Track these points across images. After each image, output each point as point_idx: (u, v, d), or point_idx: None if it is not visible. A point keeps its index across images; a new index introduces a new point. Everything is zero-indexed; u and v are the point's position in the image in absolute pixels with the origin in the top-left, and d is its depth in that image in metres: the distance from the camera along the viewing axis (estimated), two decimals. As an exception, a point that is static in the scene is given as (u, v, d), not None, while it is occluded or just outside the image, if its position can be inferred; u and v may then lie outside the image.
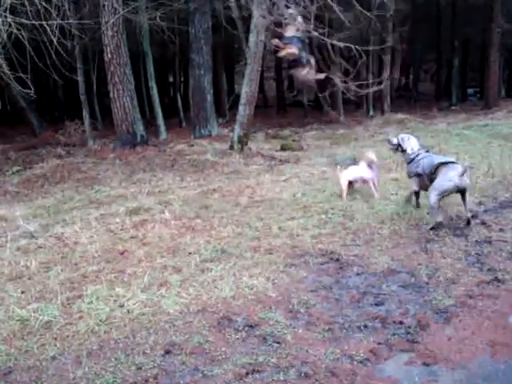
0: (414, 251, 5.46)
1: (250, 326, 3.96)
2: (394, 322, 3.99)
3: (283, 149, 13.44)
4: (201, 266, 5.21)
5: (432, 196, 5.99)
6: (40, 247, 6.08)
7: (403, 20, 26.61)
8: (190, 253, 5.61)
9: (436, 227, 5.97)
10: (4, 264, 5.57)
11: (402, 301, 4.33)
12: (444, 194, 6.03)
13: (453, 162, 6.14)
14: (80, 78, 13.40)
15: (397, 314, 4.12)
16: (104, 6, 8.84)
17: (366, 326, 3.93)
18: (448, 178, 5.92)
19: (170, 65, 20.77)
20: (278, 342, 3.74)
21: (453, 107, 25.79)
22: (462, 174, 5.83)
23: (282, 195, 8.07)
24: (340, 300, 4.38)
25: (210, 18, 15.07)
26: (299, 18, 7.69)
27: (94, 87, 18.01)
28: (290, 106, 28.52)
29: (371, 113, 22.71)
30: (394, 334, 3.81)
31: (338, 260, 5.26)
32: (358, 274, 4.91)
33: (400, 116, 19.91)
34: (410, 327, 3.90)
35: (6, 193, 9.70)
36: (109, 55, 9.38)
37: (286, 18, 7.44)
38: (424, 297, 4.39)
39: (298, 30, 7.50)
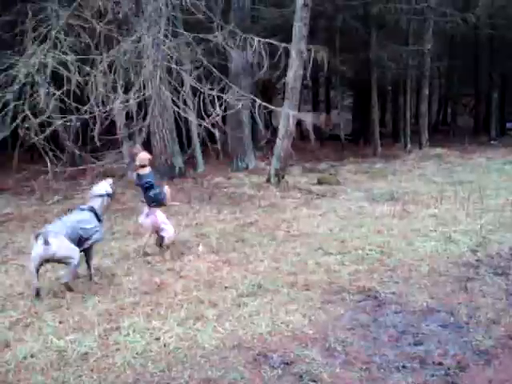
0: (454, 290, 5.37)
1: (286, 364, 3.93)
2: (433, 362, 3.92)
3: (320, 182, 13.42)
4: (237, 300, 5.20)
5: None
6: (78, 277, 6.13)
7: (441, 54, 26.62)
8: (226, 287, 5.62)
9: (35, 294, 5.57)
10: (43, 294, 5.64)
11: (442, 341, 4.26)
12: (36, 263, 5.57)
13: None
14: (117, 116, 13.65)
15: (436, 354, 4.04)
16: (144, 45, 9.02)
17: (404, 367, 3.87)
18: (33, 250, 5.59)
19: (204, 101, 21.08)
20: (315, 381, 3.70)
21: (492, 142, 25.51)
22: (46, 243, 5.44)
23: (318, 230, 8.04)
24: (378, 339, 4.32)
25: (251, 53, 15.26)
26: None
27: (134, 119, 18.32)
28: (326, 140, 28.54)
29: (409, 147, 22.56)
30: (432, 375, 3.74)
31: (375, 297, 5.20)
32: (396, 313, 4.85)
33: (438, 150, 19.76)
34: (449, 368, 3.83)
35: (46, 222, 9.84)
36: (150, 93, 9.53)
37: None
38: (464, 337, 4.31)
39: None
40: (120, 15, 9.32)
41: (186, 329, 4.55)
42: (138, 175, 7.10)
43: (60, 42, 8.80)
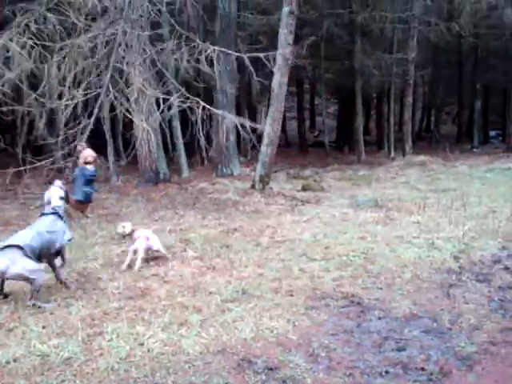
0: (437, 296, 5.41)
1: (270, 369, 3.93)
2: (416, 368, 3.94)
3: (304, 189, 13.47)
4: (221, 306, 5.20)
5: None
6: (59, 282, 6.11)
7: (425, 63, 26.86)
8: (210, 292, 5.61)
9: None
10: (26, 298, 5.60)
11: (424, 346, 4.28)
12: None
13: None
14: (106, 115, 13.62)
15: (418, 359, 4.06)
16: (132, 46, 9.03)
17: (387, 372, 3.88)
18: None
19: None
20: (298, 386, 3.71)
21: (474, 150, 25.80)
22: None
23: (302, 236, 8.07)
24: (361, 344, 4.34)
25: (234, 59, 15.31)
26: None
27: (121, 125, 18.29)
28: (311, 147, 28.67)
29: (392, 154, 22.75)
30: (415, 381, 3.76)
31: (359, 303, 5.22)
32: (379, 318, 4.87)
33: (421, 158, 19.92)
34: (432, 374, 3.85)
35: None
36: (135, 94, 9.55)
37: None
38: (446, 343, 4.34)
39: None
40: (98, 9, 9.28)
41: (170, 334, 4.54)
42: (81, 168, 7.04)
43: (29, 29, 8.78)
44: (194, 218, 9.89)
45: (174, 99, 9.78)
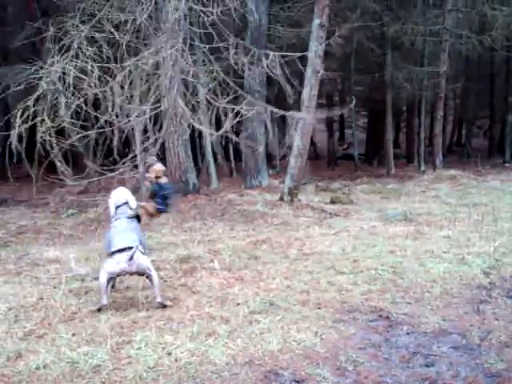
0: (466, 312, 5.34)
1: (297, 382, 3.93)
2: (445, 384, 3.90)
3: (333, 202, 13.42)
4: (249, 317, 5.21)
5: (100, 275, 5.55)
6: (92, 290, 6.19)
7: (456, 76, 26.64)
8: (238, 303, 5.63)
9: (100, 309, 5.51)
10: (56, 306, 5.69)
11: (453, 363, 4.23)
12: (112, 276, 5.59)
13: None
14: (136, 128, 13.79)
15: (447, 376, 4.02)
16: (164, 58, 9.13)
17: (415, 388, 3.85)
18: (116, 261, 5.53)
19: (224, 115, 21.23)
20: (325, 400, 3.70)
21: (506, 164, 25.44)
22: (131, 259, 5.44)
23: (331, 249, 8.05)
24: (389, 359, 4.31)
25: (264, 71, 15.38)
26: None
27: (150, 131, 18.44)
28: (340, 159, 28.60)
29: (423, 168, 22.55)
30: (444, 397, 3.73)
31: (387, 318, 5.19)
32: (407, 333, 4.83)
33: (452, 172, 19.71)
34: (461, 390, 3.81)
35: (60, 235, 9.95)
36: (165, 105, 9.66)
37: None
38: (475, 359, 4.28)
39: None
40: (137, 24, 9.41)
41: (198, 344, 4.57)
42: (159, 184, 7.16)
43: (82, 51, 8.94)
44: (222, 229, 9.93)
45: (242, 107, 9.83)
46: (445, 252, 7.62)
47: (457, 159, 27.87)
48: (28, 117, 8.46)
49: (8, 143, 8.40)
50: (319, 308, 5.46)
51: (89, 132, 8.66)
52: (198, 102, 9.58)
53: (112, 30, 9.40)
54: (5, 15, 19.21)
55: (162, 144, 10.23)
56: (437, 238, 8.61)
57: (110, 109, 8.52)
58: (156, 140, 8.91)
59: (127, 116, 8.79)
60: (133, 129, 8.88)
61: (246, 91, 14.67)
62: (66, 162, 8.94)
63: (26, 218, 11.68)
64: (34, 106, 8.43)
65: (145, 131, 9.16)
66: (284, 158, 15.55)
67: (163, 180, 7.10)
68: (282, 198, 12.82)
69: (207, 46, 10.11)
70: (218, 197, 13.74)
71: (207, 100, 9.61)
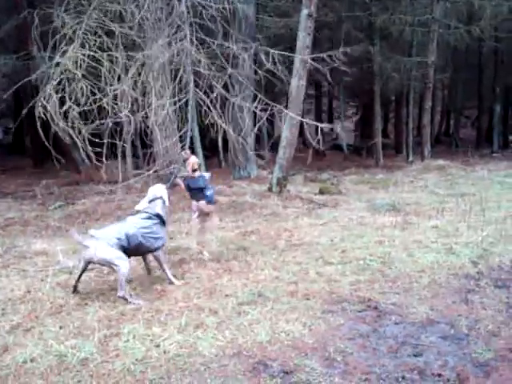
0: (454, 301, 5.37)
1: (286, 373, 3.93)
2: (433, 374, 3.91)
3: (322, 192, 13.43)
4: (237, 308, 5.21)
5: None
6: (79, 282, 6.15)
7: (445, 66, 26.68)
8: (226, 295, 5.62)
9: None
10: (44, 298, 5.66)
11: (441, 352, 4.25)
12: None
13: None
14: (125, 118, 13.70)
15: (435, 365, 4.04)
16: (179, 51, 9.07)
17: (403, 378, 3.86)
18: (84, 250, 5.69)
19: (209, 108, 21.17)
20: (314, 390, 3.70)
21: (494, 154, 25.56)
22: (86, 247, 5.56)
23: (319, 239, 8.05)
24: (377, 349, 4.32)
25: (252, 62, 15.32)
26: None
27: (138, 126, 18.35)
28: (328, 150, 28.58)
29: (411, 158, 22.60)
30: (432, 387, 3.74)
31: (375, 308, 5.20)
32: (396, 323, 4.84)
33: (440, 162, 19.78)
34: (448, 380, 3.82)
35: (47, 227, 9.88)
36: (153, 97, 9.59)
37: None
38: (464, 349, 4.30)
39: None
40: (138, 18, 9.33)
41: (186, 336, 4.56)
42: (194, 178, 7.20)
43: (87, 42, 8.85)
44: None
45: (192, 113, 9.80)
46: (433, 242, 7.64)
47: (445, 149, 27.96)
48: (47, 100, 8.37)
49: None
50: (308, 299, 5.46)
51: (107, 120, 8.57)
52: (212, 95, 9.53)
53: (107, 20, 9.30)
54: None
55: (145, 134, 10.15)
56: (425, 227, 8.63)
57: (127, 104, 8.47)
58: (185, 132, 8.82)
59: (145, 113, 8.74)
60: (145, 124, 8.81)
61: (234, 81, 14.63)
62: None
63: (13, 210, 11.59)
64: (56, 92, 8.33)
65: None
66: (272, 148, 15.50)
67: (198, 173, 7.16)
68: (270, 189, 12.82)
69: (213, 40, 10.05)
70: (206, 188, 13.70)
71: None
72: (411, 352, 4.27)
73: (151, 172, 8.77)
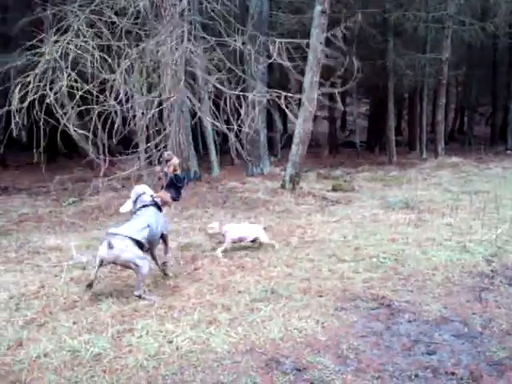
0: (468, 300, 5.33)
1: (298, 370, 3.92)
2: (446, 372, 3.89)
3: (335, 189, 13.39)
4: (250, 305, 5.21)
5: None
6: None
7: (459, 63, 26.49)
8: (239, 291, 5.63)
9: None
10: (57, 294, 5.70)
11: (455, 351, 4.23)
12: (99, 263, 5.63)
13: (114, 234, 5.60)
14: (138, 114, 13.75)
15: (449, 364, 4.02)
16: (170, 48, 9.09)
17: (416, 376, 3.84)
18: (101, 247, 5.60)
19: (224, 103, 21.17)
20: (327, 388, 3.69)
21: (508, 151, 25.33)
22: (110, 247, 5.42)
23: (332, 236, 8.03)
24: (390, 347, 4.30)
25: (266, 58, 15.31)
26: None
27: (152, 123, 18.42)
28: (342, 146, 28.51)
29: (424, 155, 22.49)
30: (445, 386, 3.72)
31: (389, 306, 5.18)
32: (409, 321, 4.82)
33: (454, 159, 19.65)
34: (462, 378, 3.80)
35: (61, 223, 9.94)
36: (166, 93, 9.63)
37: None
38: (477, 347, 4.28)
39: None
40: (140, 9, 9.36)
41: (199, 332, 4.57)
42: (176, 176, 7.27)
43: (82, 33, 8.89)
44: (223, 216, 9.92)
45: (253, 95, 9.80)
46: (446, 240, 7.60)
47: (459, 146, 27.78)
48: (27, 93, 8.40)
49: (8, 131, 8.36)
50: (321, 296, 5.45)
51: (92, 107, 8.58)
52: (205, 90, 9.54)
53: (112, 15, 9.34)
54: (5, 2, 19.09)
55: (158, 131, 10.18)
56: (439, 225, 8.58)
57: (113, 97, 8.49)
58: (167, 134, 8.85)
59: (131, 106, 8.74)
60: (134, 116, 8.81)
61: (248, 77, 14.61)
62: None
63: (27, 206, 11.67)
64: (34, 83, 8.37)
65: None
66: (285, 145, 15.48)
67: (179, 172, 7.23)
68: (283, 186, 12.80)
69: (212, 38, 10.05)
70: (219, 184, 13.75)
71: (215, 88, 9.56)
72: (424, 350, 4.25)
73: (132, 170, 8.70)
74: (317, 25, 12.58)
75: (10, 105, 8.35)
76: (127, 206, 6.31)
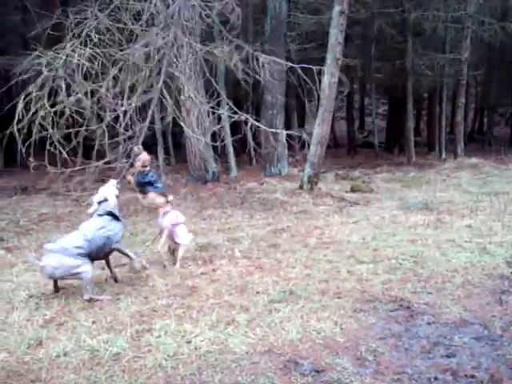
0: (488, 302, 5.28)
1: (317, 371, 3.91)
2: (466, 375, 3.86)
3: (353, 190, 13.35)
4: (268, 306, 5.21)
5: None
6: (111, 279, 6.23)
7: (478, 63, 26.29)
8: (257, 292, 5.62)
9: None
10: (76, 293, 5.72)
11: (475, 353, 4.19)
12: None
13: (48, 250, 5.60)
14: (156, 116, 13.82)
15: (469, 367, 3.98)
16: (183, 46, 9.11)
17: (436, 378, 3.81)
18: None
19: (241, 104, 21.18)
20: (345, 390, 3.68)
21: (528, 152, 25.08)
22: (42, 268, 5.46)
23: (351, 238, 8.00)
24: (410, 349, 4.28)
25: (284, 59, 15.31)
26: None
27: (171, 124, 18.51)
28: (360, 147, 28.42)
29: (444, 156, 22.34)
30: (465, 389, 3.69)
31: (408, 308, 5.15)
32: (428, 324, 4.79)
33: (474, 160, 19.47)
34: (482, 381, 3.77)
35: (81, 223, 9.95)
36: (185, 94, 9.66)
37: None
38: (497, 350, 4.24)
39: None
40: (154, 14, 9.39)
41: (217, 333, 4.57)
42: (142, 173, 7.22)
43: (91, 39, 8.93)
44: (241, 217, 9.94)
45: (224, 112, 9.85)
46: (466, 241, 7.54)
47: (478, 147, 27.53)
48: (30, 102, 8.47)
49: (34, 131, 8.43)
50: (339, 297, 5.43)
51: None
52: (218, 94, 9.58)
53: (128, 19, 9.37)
54: (25, 4, 19.29)
55: (182, 132, 10.24)
56: (458, 227, 8.52)
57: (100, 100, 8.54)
58: (141, 129, 8.86)
59: (114, 108, 8.77)
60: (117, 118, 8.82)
61: (266, 81, 14.62)
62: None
63: (47, 206, 11.76)
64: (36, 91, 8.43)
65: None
66: (304, 146, 15.45)
67: (146, 169, 7.16)
68: (301, 187, 12.79)
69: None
70: (237, 185, 13.77)
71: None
72: (444, 353, 4.22)
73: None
74: (335, 25, 12.55)
75: (28, 111, 8.43)
76: (93, 208, 6.33)
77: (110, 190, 6.44)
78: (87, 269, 5.55)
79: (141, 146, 7.74)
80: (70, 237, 5.85)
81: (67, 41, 8.86)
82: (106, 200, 6.33)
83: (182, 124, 9.59)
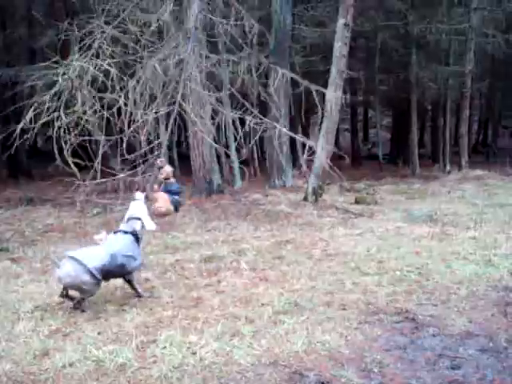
0: (493, 314, 5.28)
1: (322, 383, 3.92)
2: (471, 387, 3.86)
3: (357, 202, 13.36)
4: (273, 317, 5.21)
5: None
6: (116, 289, 6.24)
7: (482, 75, 26.34)
8: (262, 304, 5.63)
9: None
10: (82, 304, 5.74)
11: (480, 365, 4.19)
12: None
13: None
14: (161, 127, 13.89)
15: (474, 379, 3.98)
16: (201, 58, 9.23)
17: (441, 390, 3.82)
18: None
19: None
20: (351, 401, 3.68)
21: (533, 164, 25.06)
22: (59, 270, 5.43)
23: (355, 249, 8.00)
24: (415, 361, 4.28)
25: (289, 71, 15.37)
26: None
27: (175, 135, 18.58)
28: (364, 159, 28.45)
29: (448, 168, 22.35)
30: (471, 401, 3.69)
31: (413, 320, 5.15)
32: (433, 335, 4.79)
33: (478, 172, 19.49)
34: (487, 394, 3.77)
35: (86, 234, 10.01)
36: (190, 106, 9.74)
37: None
38: (503, 362, 4.23)
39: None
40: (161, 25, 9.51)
41: (223, 344, 4.58)
42: (166, 184, 7.32)
43: (103, 51, 9.01)
44: (246, 229, 9.94)
45: (250, 120, 9.91)
46: (471, 253, 7.53)
47: (483, 159, 27.56)
48: (42, 112, 8.53)
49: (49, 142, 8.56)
50: (344, 309, 5.44)
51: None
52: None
53: (136, 30, 9.47)
54: (31, 16, 19.44)
55: (187, 143, 10.33)
56: (463, 239, 8.51)
57: (125, 113, 8.61)
58: (161, 142, 8.92)
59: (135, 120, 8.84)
60: (138, 132, 8.88)
61: (271, 90, 14.68)
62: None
63: (52, 217, 11.79)
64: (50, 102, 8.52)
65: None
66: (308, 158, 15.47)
67: (171, 181, 7.25)
68: (306, 198, 12.81)
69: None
70: (242, 197, 13.77)
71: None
72: (449, 364, 4.22)
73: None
74: (340, 38, 12.62)
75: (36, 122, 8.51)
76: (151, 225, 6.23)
77: (141, 209, 6.34)
78: (90, 289, 5.53)
79: (163, 159, 7.82)
80: (95, 250, 5.80)
81: (75, 52, 8.96)
82: (137, 219, 6.25)
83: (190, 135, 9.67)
